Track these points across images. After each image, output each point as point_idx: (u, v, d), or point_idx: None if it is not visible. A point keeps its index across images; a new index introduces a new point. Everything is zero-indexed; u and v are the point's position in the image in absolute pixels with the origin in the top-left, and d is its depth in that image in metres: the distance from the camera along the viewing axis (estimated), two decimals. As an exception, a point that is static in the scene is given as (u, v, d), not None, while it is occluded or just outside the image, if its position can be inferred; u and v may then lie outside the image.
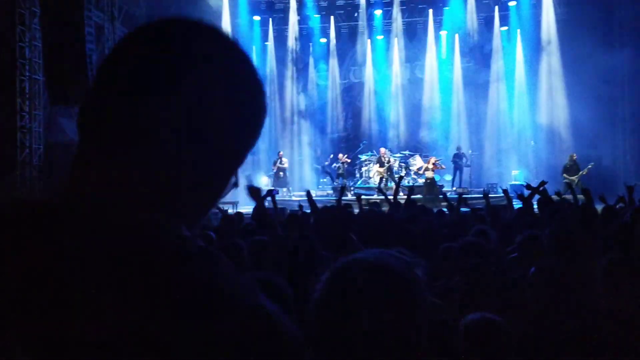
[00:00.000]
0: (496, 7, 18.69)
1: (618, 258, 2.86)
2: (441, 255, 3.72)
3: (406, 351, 1.11)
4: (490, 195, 6.91)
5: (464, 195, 9.85)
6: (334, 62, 20.19)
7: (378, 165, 16.85)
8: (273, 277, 1.71)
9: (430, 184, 15.19)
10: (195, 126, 0.68)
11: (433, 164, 15.52)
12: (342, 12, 19.83)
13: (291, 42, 20.11)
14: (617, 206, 5.88)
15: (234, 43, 0.74)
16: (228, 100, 0.71)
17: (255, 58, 19.75)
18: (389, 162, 16.68)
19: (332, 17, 19.74)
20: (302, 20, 19.90)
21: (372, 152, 18.49)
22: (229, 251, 3.85)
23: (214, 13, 18.55)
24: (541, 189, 6.18)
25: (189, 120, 0.68)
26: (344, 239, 1.57)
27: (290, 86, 20.38)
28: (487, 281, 3.07)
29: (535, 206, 6.40)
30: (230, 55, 0.73)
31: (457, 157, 17.23)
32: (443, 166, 16.27)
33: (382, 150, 17.31)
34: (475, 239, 3.63)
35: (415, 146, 18.94)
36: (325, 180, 17.97)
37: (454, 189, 16.28)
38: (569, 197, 6.75)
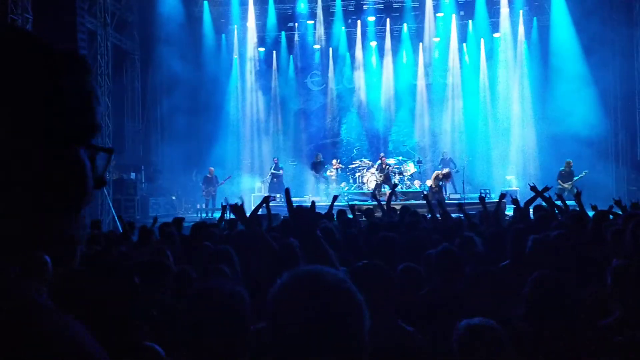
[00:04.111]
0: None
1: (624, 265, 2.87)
2: (424, 262, 3.75)
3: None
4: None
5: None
6: (327, 68, 20.22)
7: (377, 171, 16.77)
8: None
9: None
10: None
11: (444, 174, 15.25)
12: (335, 18, 19.87)
13: (285, 48, 20.18)
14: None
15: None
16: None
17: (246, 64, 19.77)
18: (386, 168, 16.65)
19: (324, 23, 19.77)
20: (296, 27, 19.94)
21: (363, 158, 18.46)
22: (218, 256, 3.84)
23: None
24: (546, 194, 6.24)
25: None
26: (313, 237, 1.69)
27: (283, 92, 20.39)
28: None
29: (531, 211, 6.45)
30: None
31: (444, 163, 17.16)
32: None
33: (382, 155, 17.27)
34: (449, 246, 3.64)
35: (408, 152, 18.93)
36: (324, 186, 17.69)
37: (448, 195, 16.22)
38: (559, 204, 6.82)
